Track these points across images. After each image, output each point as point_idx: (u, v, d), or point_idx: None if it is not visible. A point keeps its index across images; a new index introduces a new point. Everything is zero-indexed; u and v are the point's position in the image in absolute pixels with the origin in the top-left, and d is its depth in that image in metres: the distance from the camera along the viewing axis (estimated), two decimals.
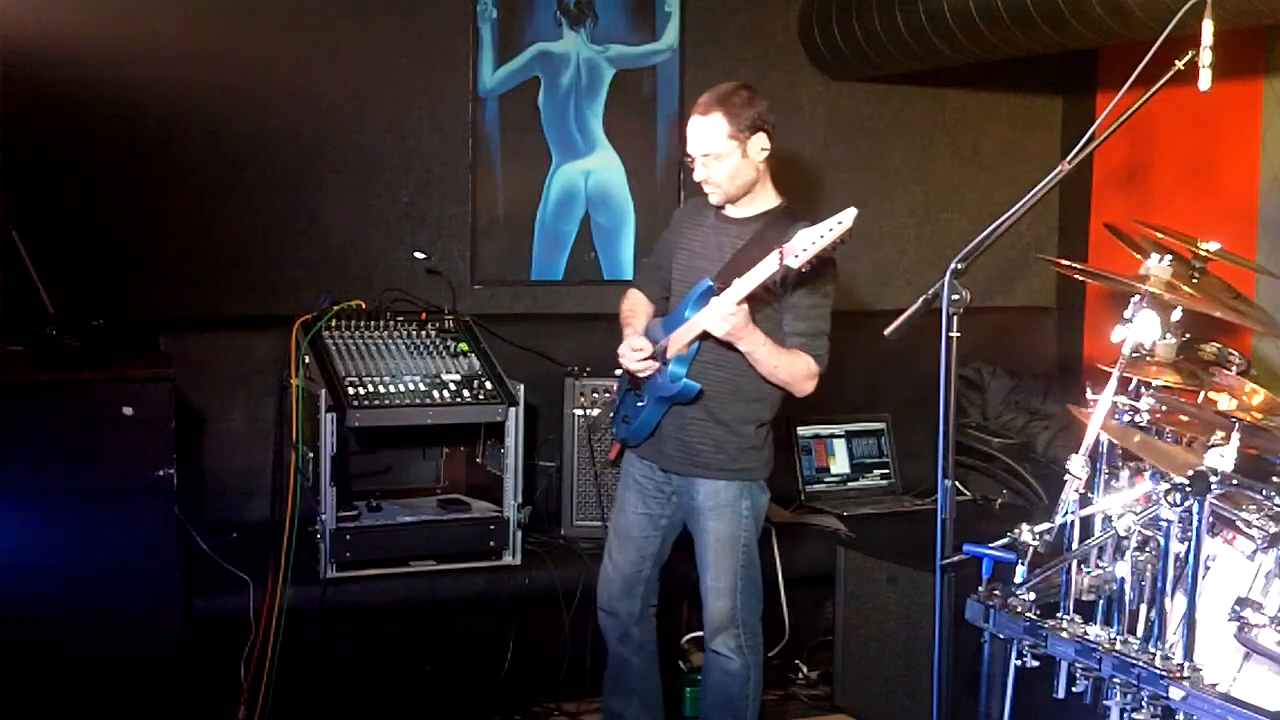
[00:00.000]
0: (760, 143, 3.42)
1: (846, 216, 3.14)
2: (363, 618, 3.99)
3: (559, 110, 4.92)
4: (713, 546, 3.50)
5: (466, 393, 4.09)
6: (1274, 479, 2.84)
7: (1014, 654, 2.79)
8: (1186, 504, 2.56)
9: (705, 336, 3.41)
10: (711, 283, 3.40)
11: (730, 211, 3.53)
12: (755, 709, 3.60)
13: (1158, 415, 3.01)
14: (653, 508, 3.63)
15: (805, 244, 3.16)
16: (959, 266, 2.75)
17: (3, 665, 3.45)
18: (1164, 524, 2.62)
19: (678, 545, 3.68)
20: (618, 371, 3.72)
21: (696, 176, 3.48)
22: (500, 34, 4.81)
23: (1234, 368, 3.21)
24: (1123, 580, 2.83)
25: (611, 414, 3.76)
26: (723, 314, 3.29)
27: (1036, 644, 2.74)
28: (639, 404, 3.57)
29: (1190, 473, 2.55)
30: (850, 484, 4.97)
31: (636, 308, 3.76)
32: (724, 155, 3.40)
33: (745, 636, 3.53)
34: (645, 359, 3.50)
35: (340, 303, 4.22)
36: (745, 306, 3.30)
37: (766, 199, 3.53)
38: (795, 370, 3.41)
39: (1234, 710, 2.42)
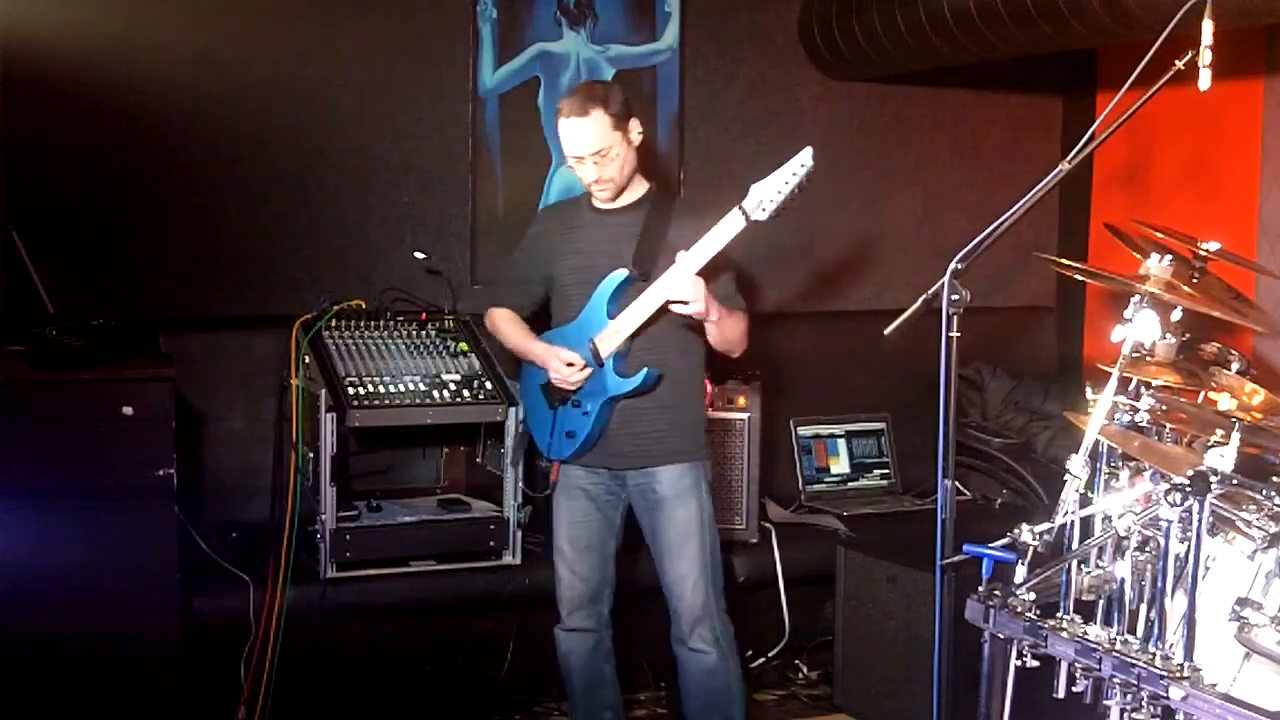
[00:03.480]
0: (637, 127, 3.47)
1: (805, 156, 3.20)
2: (363, 618, 3.99)
3: None
4: (682, 534, 3.50)
5: (466, 393, 4.09)
6: (1274, 479, 2.84)
7: (1014, 654, 2.79)
8: (1186, 504, 2.56)
9: (647, 327, 3.42)
10: (630, 272, 3.42)
11: (604, 205, 3.53)
12: (743, 703, 3.59)
13: (1158, 415, 3.00)
14: (606, 511, 3.60)
15: (770, 194, 3.21)
16: (959, 266, 2.75)
17: (2, 665, 3.45)
18: (1164, 524, 2.62)
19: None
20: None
21: (587, 177, 3.46)
22: (500, 34, 4.81)
23: (1234, 367, 3.20)
24: (1123, 580, 2.82)
25: (545, 440, 3.60)
26: (688, 290, 3.27)
27: (1036, 644, 2.74)
28: (583, 414, 3.50)
29: (1190, 473, 2.55)
30: (850, 484, 4.97)
31: (516, 324, 3.68)
32: (612, 149, 3.41)
33: (720, 627, 3.53)
34: (581, 370, 3.47)
35: (340, 303, 4.22)
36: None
37: (639, 185, 3.55)
38: (741, 329, 3.49)
39: (1234, 710, 2.42)
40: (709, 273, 3.38)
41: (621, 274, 3.43)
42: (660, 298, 3.36)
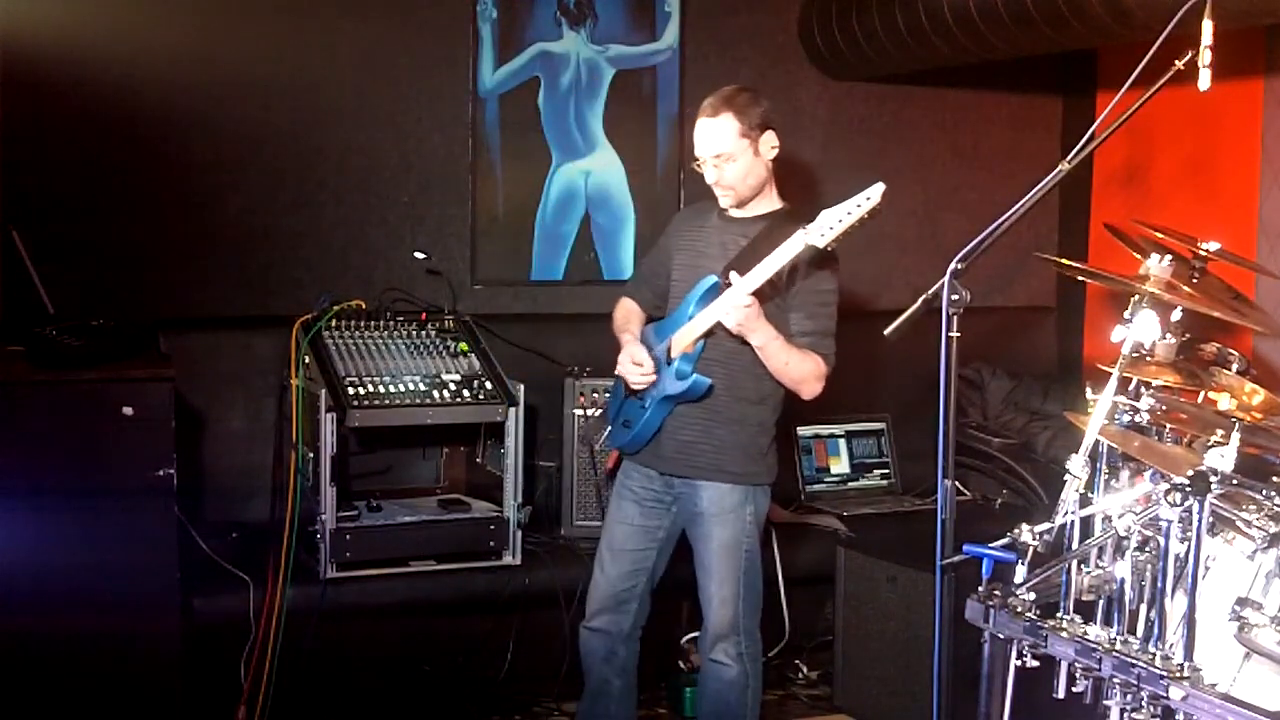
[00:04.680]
0: (770, 140, 3.43)
1: (875, 192, 3.15)
2: (363, 618, 3.99)
3: (559, 110, 4.92)
4: (715, 552, 3.46)
5: (466, 393, 4.09)
6: (1274, 479, 2.84)
7: (1014, 654, 2.79)
8: (1186, 504, 2.56)
9: (712, 333, 3.39)
10: (717, 278, 3.38)
11: (734, 212, 3.51)
12: (755, 717, 3.56)
13: (1158, 415, 3.01)
14: (649, 519, 3.58)
15: (831, 221, 3.17)
16: (959, 266, 2.75)
17: (2, 665, 3.45)
18: (1164, 524, 2.62)
19: (677, 547, 3.64)
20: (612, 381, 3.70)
21: (708, 179, 3.45)
22: (500, 34, 4.81)
23: (1234, 368, 3.20)
24: (1123, 580, 2.82)
25: (609, 423, 3.68)
26: (737, 303, 3.26)
27: (1036, 644, 2.74)
28: (641, 407, 3.50)
29: (1190, 473, 2.55)
30: (850, 484, 4.97)
31: (629, 316, 3.72)
32: (736, 155, 3.39)
33: (745, 644, 3.49)
34: (646, 372, 3.46)
35: (340, 303, 4.22)
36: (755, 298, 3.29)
37: (770, 201, 3.52)
38: (805, 369, 3.39)
39: (1234, 710, 2.42)
40: (796, 305, 3.39)
41: (711, 279, 3.40)
42: (709, 320, 3.36)
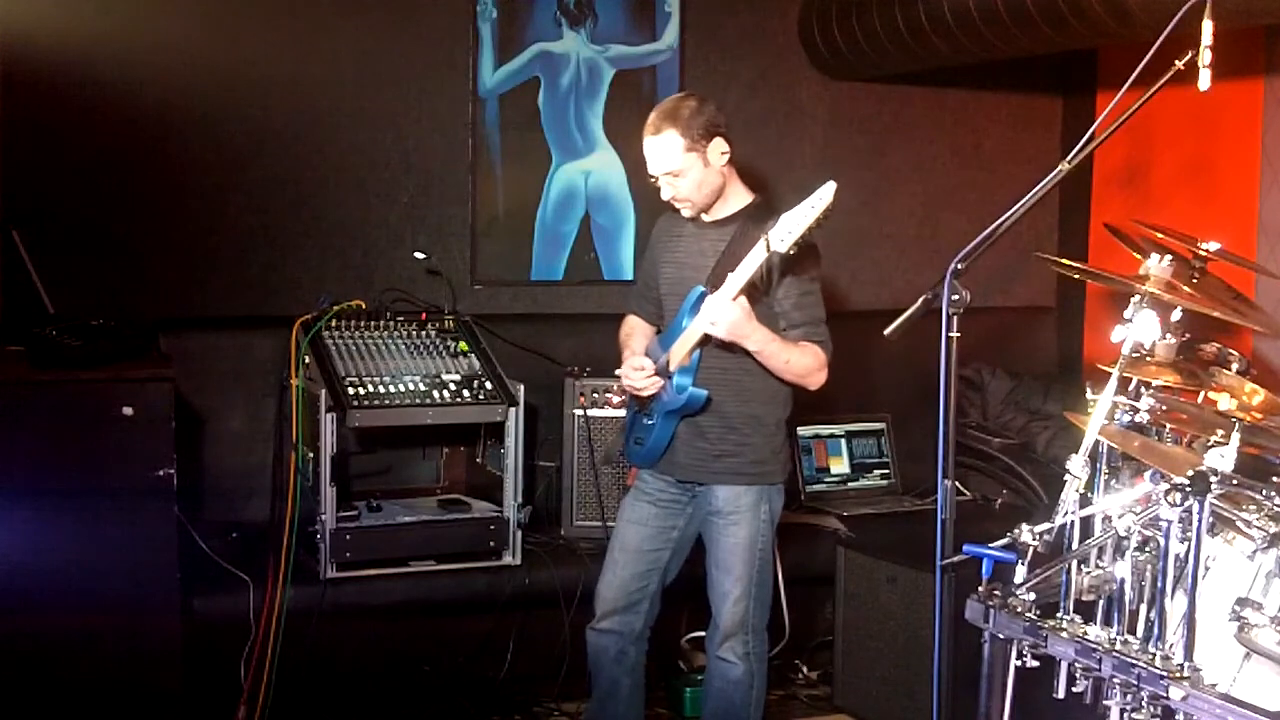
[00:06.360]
0: (719, 147, 3.39)
1: (825, 192, 3.13)
2: (363, 618, 3.99)
3: (559, 110, 4.92)
4: (731, 551, 3.46)
5: (466, 393, 4.09)
6: (1274, 479, 2.84)
7: (1014, 654, 2.79)
8: (1186, 504, 2.56)
9: (706, 343, 3.38)
10: (703, 288, 3.38)
11: (706, 217, 3.50)
12: (758, 716, 3.56)
13: (1158, 415, 3.01)
14: (665, 520, 3.57)
15: (789, 226, 3.15)
16: (959, 266, 2.75)
17: (2, 665, 3.45)
18: (1164, 524, 2.62)
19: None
20: (619, 398, 3.70)
21: (664, 195, 3.45)
22: (500, 34, 4.81)
23: (1234, 368, 3.20)
24: (1123, 580, 2.82)
25: (624, 442, 3.68)
26: (719, 314, 3.26)
27: (1036, 644, 2.74)
28: (649, 424, 3.50)
29: (1190, 473, 2.55)
30: (850, 484, 4.96)
31: (634, 331, 3.71)
32: (685, 170, 3.36)
33: (753, 643, 3.49)
34: (649, 376, 3.45)
35: (340, 303, 4.22)
36: (743, 302, 3.27)
37: (739, 198, 3.50)
38: (805, 362, 3.39)
39: (1234, 710, 2.42)
40: (781, 301, 3.38)
41: (698, 289, 3.39)
42: (699, 331, 3.35)
